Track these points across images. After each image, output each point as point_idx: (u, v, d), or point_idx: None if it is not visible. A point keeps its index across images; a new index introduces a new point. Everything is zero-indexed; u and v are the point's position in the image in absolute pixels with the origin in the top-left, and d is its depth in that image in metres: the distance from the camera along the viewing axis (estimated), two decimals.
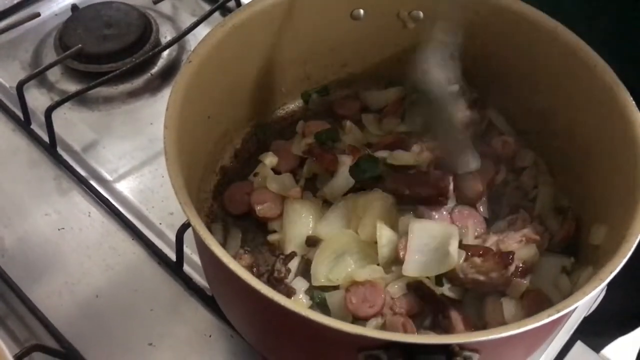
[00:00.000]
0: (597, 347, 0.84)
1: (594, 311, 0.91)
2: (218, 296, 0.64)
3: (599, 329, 1.28)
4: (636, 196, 0.57)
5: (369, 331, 0.46)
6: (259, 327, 0.57)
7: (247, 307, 0.55)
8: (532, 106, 0.76)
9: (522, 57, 0.73)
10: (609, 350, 1.60)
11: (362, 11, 0.76)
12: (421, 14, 0.76)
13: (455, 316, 0.61)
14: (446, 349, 0.46)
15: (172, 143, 0.56)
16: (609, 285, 0.95)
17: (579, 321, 0.83)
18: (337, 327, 0.46)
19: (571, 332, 0.81)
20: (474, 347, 0.48)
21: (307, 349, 0.54)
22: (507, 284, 0.64)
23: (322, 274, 0.66)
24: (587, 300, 0.52)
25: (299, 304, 0.63)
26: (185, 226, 0.74)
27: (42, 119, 0.87)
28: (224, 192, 0.76)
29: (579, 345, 0.86)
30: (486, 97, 0.80)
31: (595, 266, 0.61)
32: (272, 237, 0.72)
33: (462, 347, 0.47)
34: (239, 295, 0.54)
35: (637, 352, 1.39)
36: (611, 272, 0.51)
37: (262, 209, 0.72)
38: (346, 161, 0.73)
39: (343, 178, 0.72)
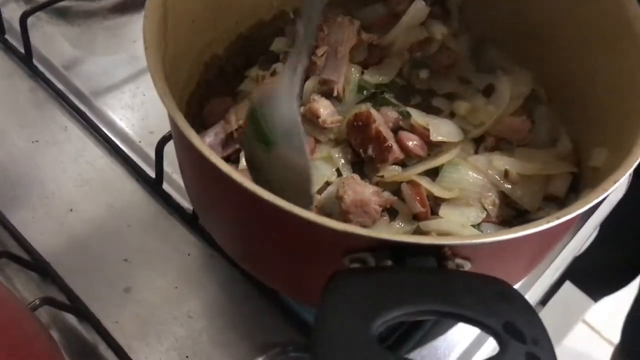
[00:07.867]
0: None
1: (587, 259, 0.89)
2: (196, 199, 0.60)
3: (593, 279, 1.27)
4: None
5: (356, 229, 0.43)
6: (239, 230, 0.54)
7: (227, 207, 0.52)
8: (533, 30, 0.72)
9: None
10: (595, 317, 1.59)
11: None
12: None
13: None
14: (438, 251, 0.44)
15: (151, 32, 0.52)
16: (603, 235, 0.93)
17: (568, 260, 0.81)
18: (323, 223, 0.43)
19: (560, 270, 0.80)
20: (466, 255, 0.46)
21: (290, 256, 0.51)
22: None
23: None
24: (586, 211, 0.49)
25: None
26: (166, 139, 0.70)
27: (18, 29, 0.82)
28: (204, 106, 0.72)
29: (567, 285, 0.85)
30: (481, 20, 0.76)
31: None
32: None
33: (454, 252, 0.44)
34: (219, 193, 0.51)
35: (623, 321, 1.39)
36: (615, 182, 0.48)
37: None
38: None
39: None
